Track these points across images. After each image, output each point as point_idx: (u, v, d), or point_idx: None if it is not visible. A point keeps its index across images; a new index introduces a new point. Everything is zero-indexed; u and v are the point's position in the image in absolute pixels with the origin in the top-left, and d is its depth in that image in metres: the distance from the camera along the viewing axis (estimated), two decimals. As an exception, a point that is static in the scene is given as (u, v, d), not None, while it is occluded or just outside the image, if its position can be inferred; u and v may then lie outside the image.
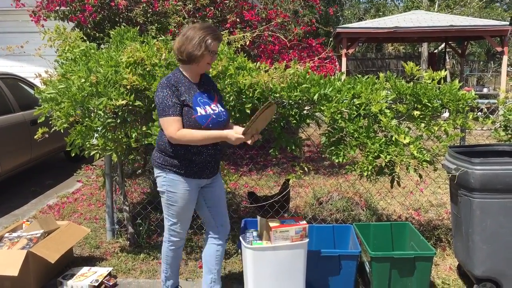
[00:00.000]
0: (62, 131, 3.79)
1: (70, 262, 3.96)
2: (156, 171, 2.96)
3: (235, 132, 2.80)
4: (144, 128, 3.68)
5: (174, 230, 3.07)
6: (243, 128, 2.80)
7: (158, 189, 3.00)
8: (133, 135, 3.72)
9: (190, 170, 2.90)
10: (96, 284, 3.55)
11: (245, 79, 3.60)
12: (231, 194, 5.45)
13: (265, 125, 2.92)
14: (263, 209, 4.35)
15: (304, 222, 3.06)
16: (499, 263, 3.16)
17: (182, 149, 2.85)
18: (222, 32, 4.82)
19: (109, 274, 3.70)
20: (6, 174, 5.77)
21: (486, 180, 3.06)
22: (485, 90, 14.75)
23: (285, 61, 4.10)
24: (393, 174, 3.68)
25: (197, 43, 2.77)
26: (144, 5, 6.53)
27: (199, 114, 2.81)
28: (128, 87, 3.59)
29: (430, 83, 3.73)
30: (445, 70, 3.97)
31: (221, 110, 2.93)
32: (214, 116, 2.86)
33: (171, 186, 2.91)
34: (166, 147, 2.88)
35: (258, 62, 3.97)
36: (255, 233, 3.18)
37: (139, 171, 5.04)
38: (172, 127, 2.75)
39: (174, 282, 3.26)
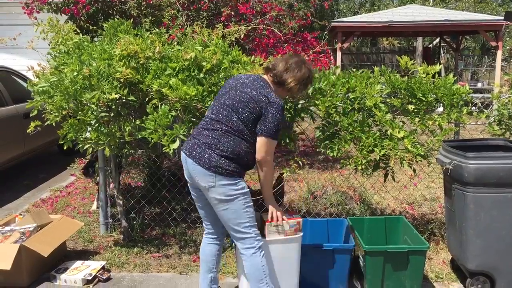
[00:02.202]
0: (54, 124, 3.77)
1: (64, 256, 3.94)
2: (224, 180, 2.75)
3: (277, 208, 2.99)
4: (137, 122, 3.66)
5: (257, 232, 2.88)
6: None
7: (225, 198, 2.77)
8: (127, 129, 3.69)
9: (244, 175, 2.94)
10: (90, 278, 3.54)
11: (240, 73, 3.59)
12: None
13: None
14: (257, 203, 4.34)
15: (299, 216, 3.06)
16: (492, 257, 3.17)
17: (251, 161, 2.87)
18: (216, 26, 4.81)
19: (103, 268, 3.69)
20: (-2, 168, 5.74)
21: (480, 174, 3.06)
22: (479, 85, 14.79)
23: (279, 55, 4.08)
24: (387, 168, 3.69)
25: (300, 77, 2.88)
26: (138, -3, 6.49)
27: None
28: (122, 80, 3.56)
29: (424, 77, 3.73)
30: (440, 65, 3.97)
31: None
32: None
33: (244, 187, 2.82)
34: (242, 156, 2.79)
35: (253, 56, 3.95)
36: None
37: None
38: (272, 152, 2.84)
39: None
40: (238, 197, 2.79)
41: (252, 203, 2.87)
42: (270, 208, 2.96)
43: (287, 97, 3.11)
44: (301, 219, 3.05)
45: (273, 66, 2.90)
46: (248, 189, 2.87)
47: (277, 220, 2.94)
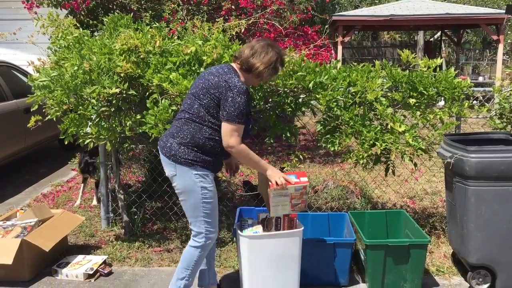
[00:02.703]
0: (55, 119, 3.76)
1: (65, 251, 3.95)
2: (184, 169, 2.77)
3: (278, 173, 2.83)
4: (138, 117, 3.66)
5: (210, 230, 2.87)
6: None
7: (184, 189, 2.80)
8: (127, 124, 3.69)
9: (214, 165, 2.89)
10: (91, 272, 3.55)
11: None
12: (226, 182, 5.45)
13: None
14: (258, 198, 4.35)
15: (306, 179, 2.94)
16: (493, 250, 3.17)
17: (219, 148, 2.80)
18: (217, 20, 4.79)
19: (104, 262, 3.70)
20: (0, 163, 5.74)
21: (481, 168, 3.06)
22: (480, 79, 14.72)
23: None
24: (388, 163, 3.68)
25: (267, 60, 2.79)
26: (138, -9, 6.47)
27: (250, 125, 2.87)
28: (122, 74, 3.56)
29: (425, 71, 3.72)
30: (441, 58, 3.96)
31: None
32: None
33: (204, 181, 2.79)
34: (203, 143, 2.76)
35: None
36: (250, 221, 3.17)
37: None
38: (238, 137, 2.73)
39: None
40: (196, 190, 2.78)
41: (213, 201, 2.83)
42: (272, 174, 2.84)
43: (260, 83, 3.05)
44: (308, 183, 2.93)
45: (239, 53, 2.86)
46: (212, 185, 2.82)
47: (281, 185, 2.82)
